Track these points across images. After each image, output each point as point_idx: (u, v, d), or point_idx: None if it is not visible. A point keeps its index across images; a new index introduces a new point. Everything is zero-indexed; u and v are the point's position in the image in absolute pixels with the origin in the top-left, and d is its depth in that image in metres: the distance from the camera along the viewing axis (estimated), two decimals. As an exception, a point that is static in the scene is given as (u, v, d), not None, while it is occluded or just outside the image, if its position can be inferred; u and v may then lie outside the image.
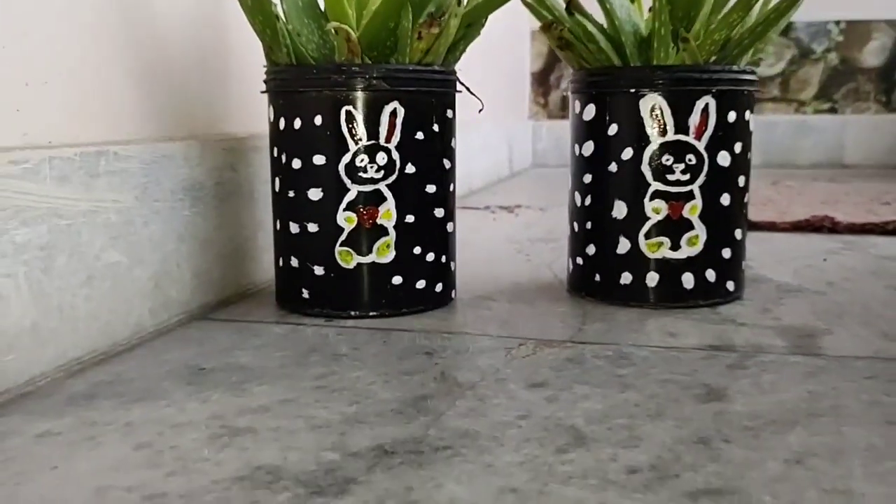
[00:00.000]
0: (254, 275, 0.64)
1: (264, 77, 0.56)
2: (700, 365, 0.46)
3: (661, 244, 0.57)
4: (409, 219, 0.55)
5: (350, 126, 0.53)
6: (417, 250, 0.56)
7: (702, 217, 0.57)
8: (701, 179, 0.57)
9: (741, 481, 0.32)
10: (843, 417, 0.38)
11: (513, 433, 0.37)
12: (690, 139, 0.56)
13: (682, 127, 0.56)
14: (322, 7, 0.55)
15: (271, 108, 0.56)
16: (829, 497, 0.31)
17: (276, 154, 0.56)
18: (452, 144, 0.58)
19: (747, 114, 0.58)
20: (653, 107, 0.56)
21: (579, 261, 0.61)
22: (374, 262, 0.55)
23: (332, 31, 0.53)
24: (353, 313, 0.55)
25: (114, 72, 0.53)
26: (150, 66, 0.56)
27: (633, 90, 0.56)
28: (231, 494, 0.31)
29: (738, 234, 0.59)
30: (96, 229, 0.47)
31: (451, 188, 0.58)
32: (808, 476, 0.32)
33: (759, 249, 0.81)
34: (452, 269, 0.60)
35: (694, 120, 0.56)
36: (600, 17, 0.58)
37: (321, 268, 0.55)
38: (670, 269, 0.58)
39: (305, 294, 0.56)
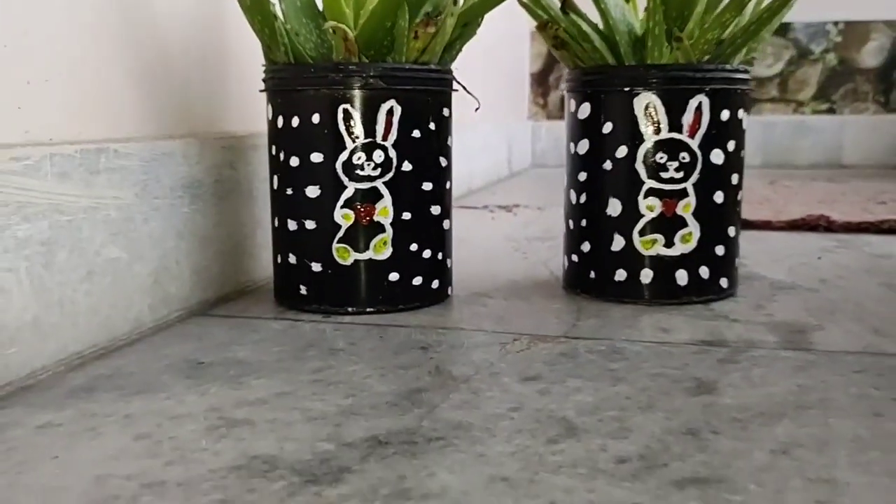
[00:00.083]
0: (252, 272, 0.65)
1: (263, 76, 0.57)
2: (691, 359, 0.47)
3: (655, 241, 0.58)
4: (406, 216, 0.56)
5: (347, 124, 0.54)
6: (414, 247, 0.57)
7: (695, 214, 0.58)
8: (694, 177, 0.57)
9: (727, 470, 0.33)
10: (831, 410, 0.39)
11: (505, 425, 0.37)
12: (684, 137, 0.57)
13: (675, 125, 0.57)
14: (320, 6, 0.55)
15: (270, 106, 0.57)
16: (813, 486, 0.31)
17: (274, 152, 0.57)
18: (449, 142, 0.59)
19: (740, 112, 0.59)
20: (647, 105, 0.57)
21: (574, 258, 0.62)
22: (371, 259, 0.55)
23: (330, 30, 0.53)
24: (350, 309, 0.56)
25: (114, 71, 0.53)
26: (150, 65, 0.57)
27: (627, 89, 0.57)
28: (228, 482, 0.32)
29: (731, 231, 0.60)
30: (96, 225, 0.48)
31: (448, 186, 0.59)
32: (794, 466, 0.33)
33: (754, 248, 0.81)
34: (449, 265, 0.60)
35: (687, 118, 0.57)
36: (595, 17, 0.59)
37: (319, 264, 0.56)
38: (664, 266, 0.58)
39: (303, 290, 0.57)
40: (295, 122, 0.55)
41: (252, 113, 0.67)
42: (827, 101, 1.82)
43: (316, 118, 0.54)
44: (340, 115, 0.54)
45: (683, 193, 0.57)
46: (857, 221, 0.93)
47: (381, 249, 0.56)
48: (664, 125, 0.57)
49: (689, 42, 0.56)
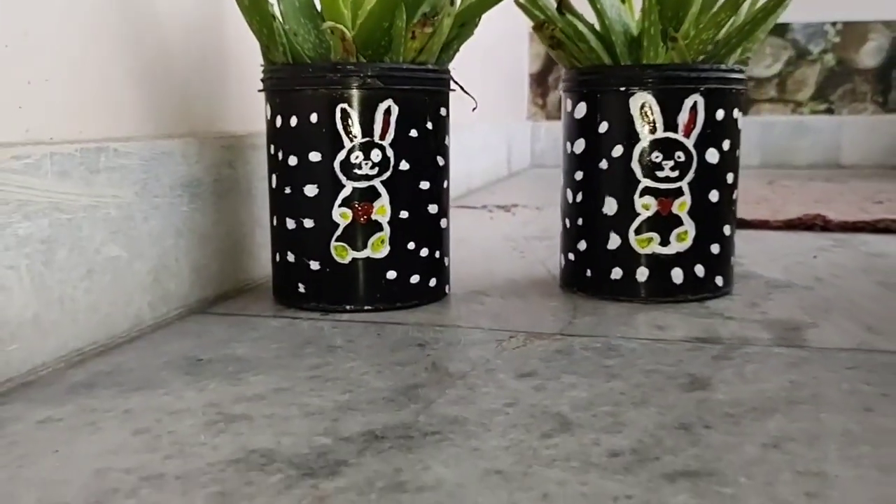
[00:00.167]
0: (251, 270, 0.65)
1: (261, 76, 0.58)
2: (686, 356, 0.47)
3: (650, 240, 0.58)
4: (404, 215, 0.56)
5: (345, 123, 0.54)
6: (411, 246, 0.57)
7: (691, 213, 0.58)
8: (690, 176, 0.58)
9: (719, 464, 0.33)
10: (822, 405, 0.39)
11: (500, 419, 0.38)
12: (679, 137, 0.57)
13: (671, 125, 0.57)
14: (318, 7, 0.56)
15: (268, 106, 0.57)
16: (803, 479, 0.32)
17: (272, 151, 0.57)
18: (446, 142, 0.59)
19: (735, 112, 0.59)
20: (642, 105, 0.57)
21: (571, 257, 0.62)
22: (368, 258, 0.56)
23: (328, 30, 0.54)
24: (348, 307, 0.57)
25: (114, 70, 0.54)
26: (150, 65, 0.57)
27: (623, 88, 0.58)
28: (226, 476, 0.32)
29: (726, 230, 0.60)
30: (96, 224, 0.49)
31: (445, 185, 0.60)
32: (784, 459, 0.33)
33: (751, 247, 0.82)
34: (446, 264, 0.61)
35: (683, 118, 0.57)
36: (591, 17, 0.59)
37: (317, 263, 0.56)
38: (660, 265, 0.59)
39: (301, 288, 0.57)
40: (293, 121, 0.55)
41: (251, 112, 0.68)
42: (825, 101, 1.83)
43: (314, 118, 0.55)
44: (338, 115, 0.54)
45: (679, 192, 0.58)
46: (853, 221, 0.93)
47: (378, 248, 0.56)
48: (660, 124, 0.57)
49: (685, 42, 0.57)
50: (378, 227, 0.56)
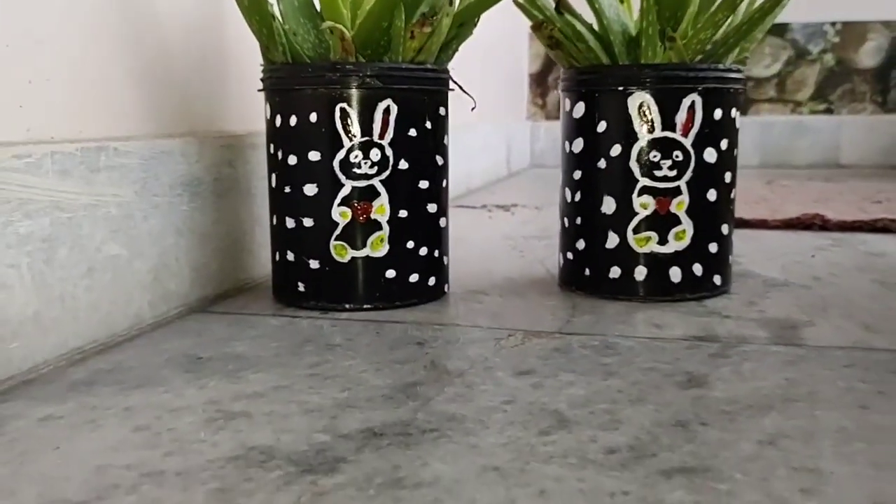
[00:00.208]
0: (251, 269, 0.65)
1: (261, 75, 0.58)
2: (683, 354, 0.47)
3: (649, 239, 0.59)
4: (403, 214, 0.57)
5: (344, 123, 0.55)
6: (410, 245, 0.57)
7: (689, 212, 0.58)
8: (688, 175, 0.58)
9: (714, 460, 0.33)
10: (818, 402, 0.40)
11: (498, 417, 0.38)
12: (677, 136, 0.58)
13: (669, 124, 0.57)
14: (317, 7, 0.56)
15: (268, 105, 0.58)
16: (797, 475, 0.32)
17: (272, 151, 0.57)
18: (445, 141, 0.59)
19: (733, 111, 0.59)
20: (641, 104, 0.57)
21: (570, 256, 0.63)
22: (368, 256, 0.56)
23: (328, 30, 0.54)
24: (347, 306, 0.57)
25: (114, 70, 0.54)
26: (150, 65, 0.58)
27: (621, 88, 0.58)
28: (225, 472, 0.33)
29: (724, 229, 0.60)
30: (97, 222, 0.49)
31: (444, 184, 0.60)
32: (780, 456, 0.34)
33: (749, 246, 0.82)
34: (445, 263, 0.61)
35: (681, 117, 0.57)
36: (590, 17, 0.60)
37: (316, 261, 0.56)
38: (658, 264, 0.59)
39: (301, 287, 0.57)
40: (293, 121, 0.56)
41: (251, 112, 0.68)
42: (825, 101, 1.83)
43: (313, 117, 0.55)
44: (338, 114, 0.54)
45: (677, 191, 0.58)
46: (851, 220, 0.93)
47: (377, 247, 0.56)
48: (658, 124, 0.57)
49: (683, 42, 0.57)
50: (377, 226, 0.56)
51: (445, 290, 0.62)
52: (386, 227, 0.56)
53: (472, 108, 0.62)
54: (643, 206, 0.58)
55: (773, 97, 1.85)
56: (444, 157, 0.59)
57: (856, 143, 1.81)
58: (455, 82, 0.59)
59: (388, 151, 0.55)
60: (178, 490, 0.31)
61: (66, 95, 0.50)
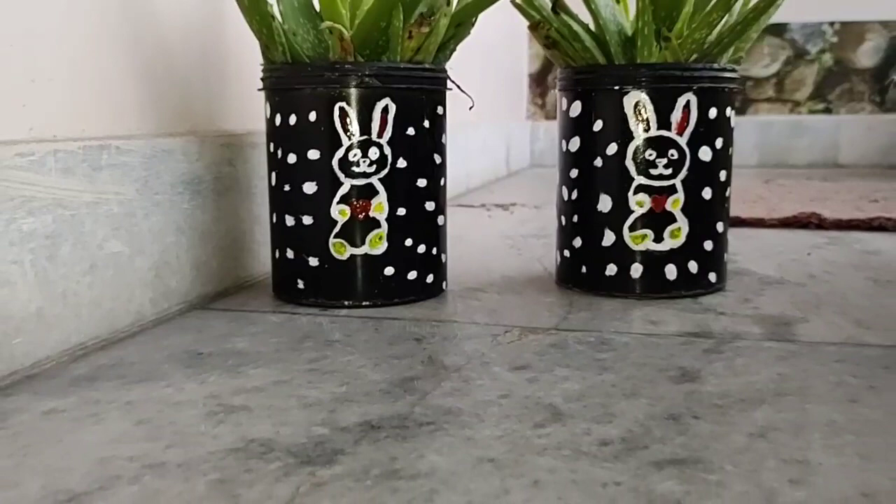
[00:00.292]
0: (251, 267, 0.66)
1: (261, 75, 0.58)
2: (677, 350, 0.48)
3: (644, 237, 0.59)
4: (401, 212, 0.57)
5: (343, 122, 0.55)
6: (409, 242, 0.58)
7: (684, 210, 0.59)
8: (683, 174, 0.59)
9: (705, 452, 0.34)
10: (809, 396, 0.40)
11: (494, 410, 0.39)
12: (673, 135, 0.58)
13: (664, 123, 0.58)
14: (317, 7, 0.57)
15: (268, 104, 0.58)
16: (786, 466, 0.33)
17: (272, 149, 0.58)
18: (443, 140, 0.60)
19: (728, 110, 0.60)
20: (636, 103, 0.58)
21: (567, 253, 0.63)
22: (366, 254, 0.57)
23: (327, 30, 0.55)
24: (346, 303, 0.57)
25: (116, 69, 0.55)
26: (152, 65, 0.58)
27: (617, 87, 0.58)
28: (226, 464, 0.33)
29: (719, 226, 0.61)
30: (99, 220, 0.49)
31: (442, 182, 0.60)
32: (769, 448, 0.34)
33: (745, 245, 0.83)
34: (443, 260, 0.62)
35: (676, 116, 0.58)
36: (586, 17, 0.60)
37: (316, 259, 0.57)
38: (654, 261, 0.60)
39: (301, 284, 0.58)
40: (292, 120, 0.56)
41: (251, 111, 0.69)
42: (823, 100, 1.84)
43: (313, 116, 0.56)
44: (337, 113, 0.55)
45: (672, 190, 0.59)
46: (847, 219, 0.94)
47: (376, 244, 0.57)
48: (653, 123, 0.58)
49: (678, 41, 0.58)
50: (376, 223, 0.57)
51: (443, 287, 0.62)
52: (384, 225, 0.57)
53: (471, 108, 0.63)
54: (639, 204, 0.59)
55: (772, 97, 1.85)
56: (442, 155, 0.60)
57: (854, 142, 1.82)
58: (453, 82, 0.60)
59: (387, 150, 0.56)
60: (180, 481, 0.32)
61: (69, 95, 0.51)
